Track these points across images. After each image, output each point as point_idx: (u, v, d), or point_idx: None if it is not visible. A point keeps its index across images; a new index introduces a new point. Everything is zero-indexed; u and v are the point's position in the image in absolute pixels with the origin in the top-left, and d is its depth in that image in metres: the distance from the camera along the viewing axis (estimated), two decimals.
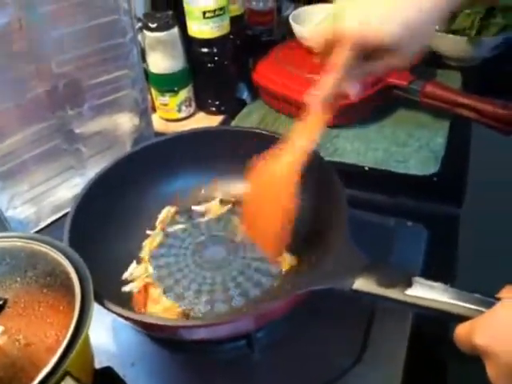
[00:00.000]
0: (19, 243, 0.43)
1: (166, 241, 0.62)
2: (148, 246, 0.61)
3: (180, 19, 0.80)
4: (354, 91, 0.50)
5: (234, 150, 0.65)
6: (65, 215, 0.62)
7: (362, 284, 0.42)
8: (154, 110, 0.87)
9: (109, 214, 0.59)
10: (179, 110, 0.86)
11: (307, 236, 0.59)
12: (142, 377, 0.50)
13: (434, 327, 0.52)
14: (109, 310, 0.44)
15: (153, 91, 0.86)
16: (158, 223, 0.64)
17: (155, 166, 0.64)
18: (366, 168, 0.73)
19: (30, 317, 0.39)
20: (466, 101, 0.72)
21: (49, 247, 0.42)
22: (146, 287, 0.56)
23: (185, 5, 0.79)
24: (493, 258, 0.57)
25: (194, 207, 0.66)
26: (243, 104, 0.89)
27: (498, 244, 0.59)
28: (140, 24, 0.79)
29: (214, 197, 0.67)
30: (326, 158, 0.60)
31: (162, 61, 0.81)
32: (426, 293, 0.39)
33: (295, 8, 1.02)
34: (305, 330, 0.52)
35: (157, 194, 0.66)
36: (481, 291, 0.38)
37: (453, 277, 0.57)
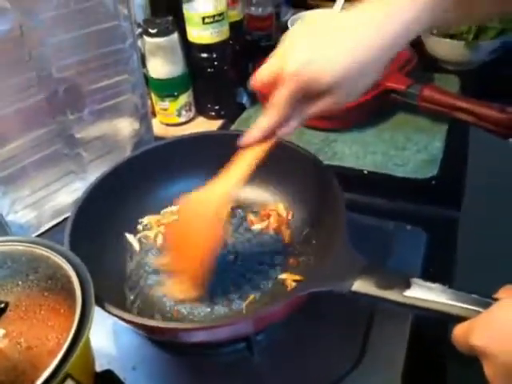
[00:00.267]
0: (20, 247, 0.43)
1: (165, 244, 0.62)
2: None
3: (180, 25, 0.81)
4: (287, 131, 0.49)
5: (234, 154, 0.65)
6: (65, 219, 0.63)
7: (361, 286, 0.42)
8: (153, 114, 0.88)
9: (109, 218, 0.59)
10: (179, 115, 0.87)
11: (306, 239, 0.60)
12: (143, 380, 0.50)
13: (433, 330, 0.52)
14: (109, 313, 0.44)
15: (153, 96, 0.86)
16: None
17: (155, 170, 0.65)
18: (365, 172, 0.73)
19: (31, 320, 0.39)
20: (463, 105, 0.73)
21: (50, 251, 0.43)
22: None
23: (184, 11, 0.80)
24: (491, 260, 0.58)
25: None
26: (242, 108, 0.90)
27: (496, 247, 0.59)
28: (140, 30, 0.80)
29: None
30: (325, 162, 0.60)
31: (162, 66, 0.82)
32: (425, 294, 0.39)
33: (294, 13, 1.03)
34: (304, 334, 0.52)
35: (157, 198, 0.66)
36: (479, 293, 0.38)
37: (451, 280, 0.57)
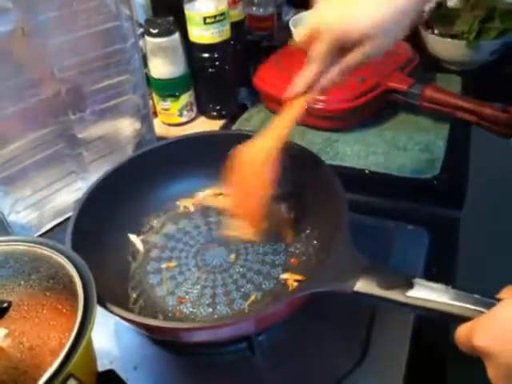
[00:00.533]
0: (22, 247, 0.43)
1: (167, 244, 0.62)
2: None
3: (181, 25, 0.81)
4: (327, 82, 0.53)
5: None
6: (67, 220, 0.63)
7: (363, 286, 0.42)
8: (155, 114, 0.88)
9: (111, 217, 0.59)
10: (180, 115, 0.87)
11: (308, 239, 0.60)
12: (144, 380, 0.50)
13: (435, 330, 0.52)
14: (111, 312, 0.44)
15: (154, 96, 0.86)
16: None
17: (157, 170, 0.65)
18: (367, 171, 0.73)
19: (33, 320, 0.39)
20: (465, 104, 0.73)
21: (52, 251, 0.43)
22: None
23: (186, 11, 0.79)
24: (493, 260, 0.57)
25: (194, 210, 0.66)
26: (244, 108, 0.90)
27: (498, 246, 0.59)
28: (141, 30, 0.80)
29: (215, 201, 0.67)
30: (327, 162, 0.60)
31: (164, 66, 0.82)
32: (427, 294, 0.39)
33: (295, 13, 1.03)
34: (306, 334, 0.52)
35: (158, 198, 0.66)
36: (481, 293, 0.38)
37: (453, 279, 0.57)
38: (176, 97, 0.85)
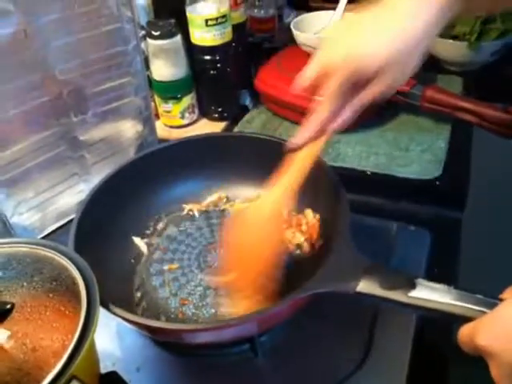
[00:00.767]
0: (25, 248, 0.43)
1: (170, 246, 0.62)
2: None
3: (183, 27, 0.81)
4: (341, 125, 0.50)
5: (237, 156, 0.66)
6: (69, 222, 0.63)
7: (366, 286, 0.42)
8: (157, 116, 0.88)
9: (113, 219, 0.59)
10: (182, 117, 0.87)
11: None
12: (147, 381, 0.51)
13: (437, 330, 0.52)
14: (114, 314, 0.44)
15: (156, 98, 0.87)
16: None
17: (159, 172, 0.65)
18: (368, 172, 0.73)
19: (36, 321, 0.39)
20: (466, 105, 0.73)
21: (54, 252, 0.43)
22: None
23: (187, 13, 0.80)
24: (495, 260, 0.57)
25: (196, 212, 0.67)
26: (245, 110, 0.90)
27: (500, 247, 0.59)
28: (143, 32, 0.80)
29: (217, 203, 0.67)
30: (329, 163, 0.60)
31: (165, 68, 0.82)
32: (430, 294, 0.39)
33: (296, 15, 1.03)
34: (308, 335, 0.52)
35: (160, 200, 0.66)
36: (483, 293, 0.38)
37: (455, 280, 0.57)
38: (178, 99, 0.85)
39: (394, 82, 0.48)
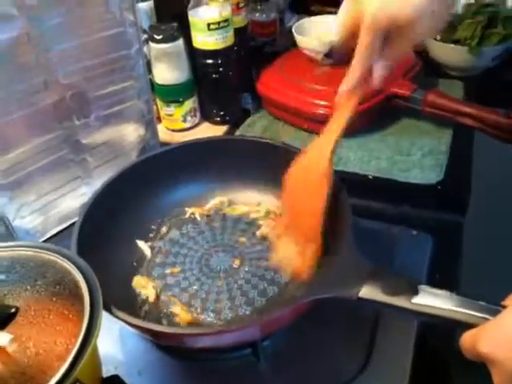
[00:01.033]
0: (29, 252, 0.44)
1: (171, 249, 0.62)
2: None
3: (185, 31, 0.81)
4: (379, 74, 0.52)
5: (239, 159, 0.66)
6: (71, 225, 0.63)
7: (368, 292, 0.42)
8: (159, 120, 0.88)
9: (115, 223, 0.60)
10: (184, 121, 0.87)
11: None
12: None
13: (438, 336, 0.52)
14: (117, 317, 0.44)
15: (158, 102, 0.87)
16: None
17: (161, 175, 0.65)
18: (370, 177, 0.73)
19: (39, 325, 0.39)
20: (468, 110, 0.73)
21: (58, 256, 0.43)
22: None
23: (190, 17, 0.80)
24: (497, 265, 0.58)
25: (198, 216, 0.67)
26: (247, 114, 0.90)
27: (501, 251, 0.59)
28: (146, 36, 0.80)
29: (219, 206, 0.67)
30: None
31: (168, 72, 0.82)
32: (433, 301, 0.39)
33: (298, 19, 1.03)
34: (310, 339, 0.52)
35: (162, 203, 0.66)
36: (485, 299, 0.38)
37: (457, 285, 0.57)
38: (180, 102, 0.85)
39: (424, 33, 0.49)
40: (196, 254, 0.61)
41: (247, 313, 0.54)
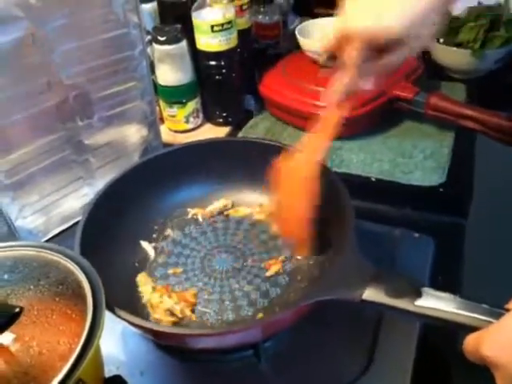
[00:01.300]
0: (32, 252, 0.44)
1: (174, 249, 0.63)
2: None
3: (188, 33, 0.82)
4: (367, 86, 0.52)
5: (241, 161, 0.66)
6: (73, 225, 0.63)
7: (371, 294, 0.42)
8: (162, 121, 0.88)
9: (118, 223, 0.60)
10: (187, 122, 0.87)
11: (315, 246, 0.60)
12: None
13: (440, 337, 0.52)
14: (120, 317, 0.44)
15: (161, 103, 0.87)
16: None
17: (163, 176, 0.65)
18: (372, 179, 0.73)
19: (43, 325, 0.39)
20: (470, 113, 0.73)
21: (61, 256, 0.43)
22: None
23: (193, 19, 0.80)
24: (499, 267, 0.58)
25: (201, 217, 0.67)
26: (250, 115, 0.90)
27: (503, 253, 0.59)
28: (149, 37, 0.80)
29: (222, 207, 0.67)
30: (333, 169, 0.60)
31: (171, 73, 0.83)
32: (436, 303, 0.39)
33: (301, 21, 1.03)
34: (312, 341, 0.52)
35: (164, 205, 0.67)
36: (488, 302, 0.38)
37: (459, 288, 0.57)
38: (183, 104, 0.85)
39: (413, 47, 0.50)
40: (198, 254, 0.61)
41: (249, 314, 0.54)
